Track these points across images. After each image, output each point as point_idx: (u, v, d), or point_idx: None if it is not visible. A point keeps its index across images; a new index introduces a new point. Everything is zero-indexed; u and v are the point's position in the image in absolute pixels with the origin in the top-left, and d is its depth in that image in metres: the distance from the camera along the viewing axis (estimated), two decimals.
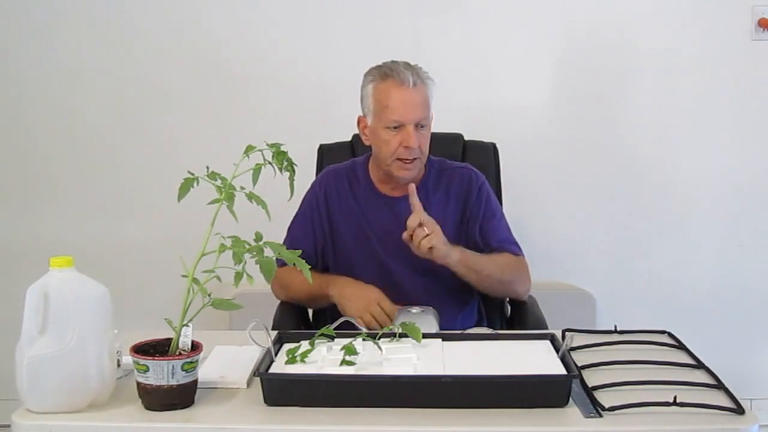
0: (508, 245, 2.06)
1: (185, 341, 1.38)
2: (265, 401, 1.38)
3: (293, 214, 2.14)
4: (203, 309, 1.35)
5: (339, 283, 2.00)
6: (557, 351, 1.52)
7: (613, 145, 2.89)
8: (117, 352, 1.45)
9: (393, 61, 2.00)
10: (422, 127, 1.97)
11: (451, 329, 1.84)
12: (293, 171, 1.43)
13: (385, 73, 1.97)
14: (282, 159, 1.41)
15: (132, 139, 2.92)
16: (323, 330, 1.56)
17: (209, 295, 1.34)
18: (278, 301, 2.14)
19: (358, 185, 2.10)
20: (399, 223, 2.01)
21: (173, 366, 1.33)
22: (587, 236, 2.92)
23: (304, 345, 1.51)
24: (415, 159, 1.98)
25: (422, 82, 1.97)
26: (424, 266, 2.01)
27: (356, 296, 1.95)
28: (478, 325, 2.12)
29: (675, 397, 1.32)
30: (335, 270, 2.09)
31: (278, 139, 1.43)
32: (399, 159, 1.97)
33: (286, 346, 1.54)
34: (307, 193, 2.13)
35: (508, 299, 2.24)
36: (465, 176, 2.10)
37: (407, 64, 1.99)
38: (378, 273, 2.04)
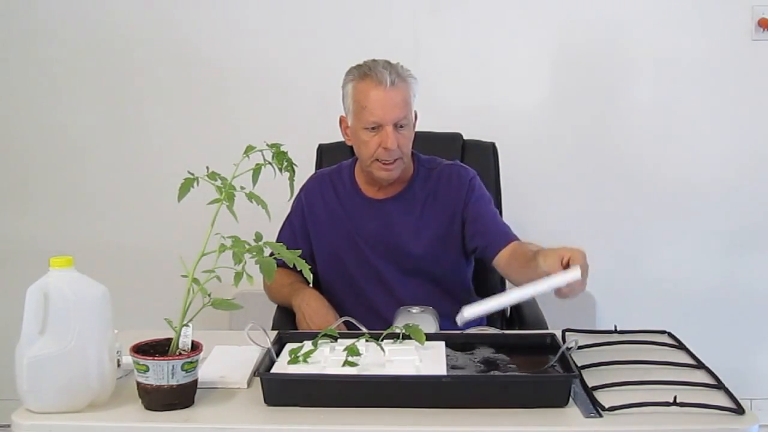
0: (512, 236, 1.96)
1: (185, 341, 1.38)
2: (265, 401, 1.38)
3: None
4: (203, 309, 1.35)
5: (304, 296, 1.96)
6: (557, 350, 1.52)
7: (613, 144, 2.89)
8: (117, 352, 1.45)
9: (373, 60, 1.96)
10: (402, 127, 1.93)
11: (449, 329, 1.83)
12: (293, 171, 1.43)
13: (364, 73, 1.93)
14: (282, 159, 1.41)
15: (132, 139, 2.92)
16: (326, 330, 1.56)
17: (209, 295, 1.34)
18: None
19: (343, 189, 2.08)
20: (386, 225, 1.99)
21: (173, 366, 1.33)
22: (587, 236, 2.92)
23: (307, 345, 1.51)
24: (396, 160, 1.94)
25: (402, 80, 1.93)
26: (414, 267, 2.00)
27: (314, 317, 1.92)
28: (479, 324, 2.11)
29: (675, 397, 1.32)
30: (327, 275, 2.07)
31: (278, 139, 1.43)
32: (378, 160, 1.94)
33: (289, 346, 1.54)
34: (294, 199, 2.07)
35: None
36: (454, 175, 2.05)
37: (387, 63, 1.94)
38: (369, 276, 2.03)
